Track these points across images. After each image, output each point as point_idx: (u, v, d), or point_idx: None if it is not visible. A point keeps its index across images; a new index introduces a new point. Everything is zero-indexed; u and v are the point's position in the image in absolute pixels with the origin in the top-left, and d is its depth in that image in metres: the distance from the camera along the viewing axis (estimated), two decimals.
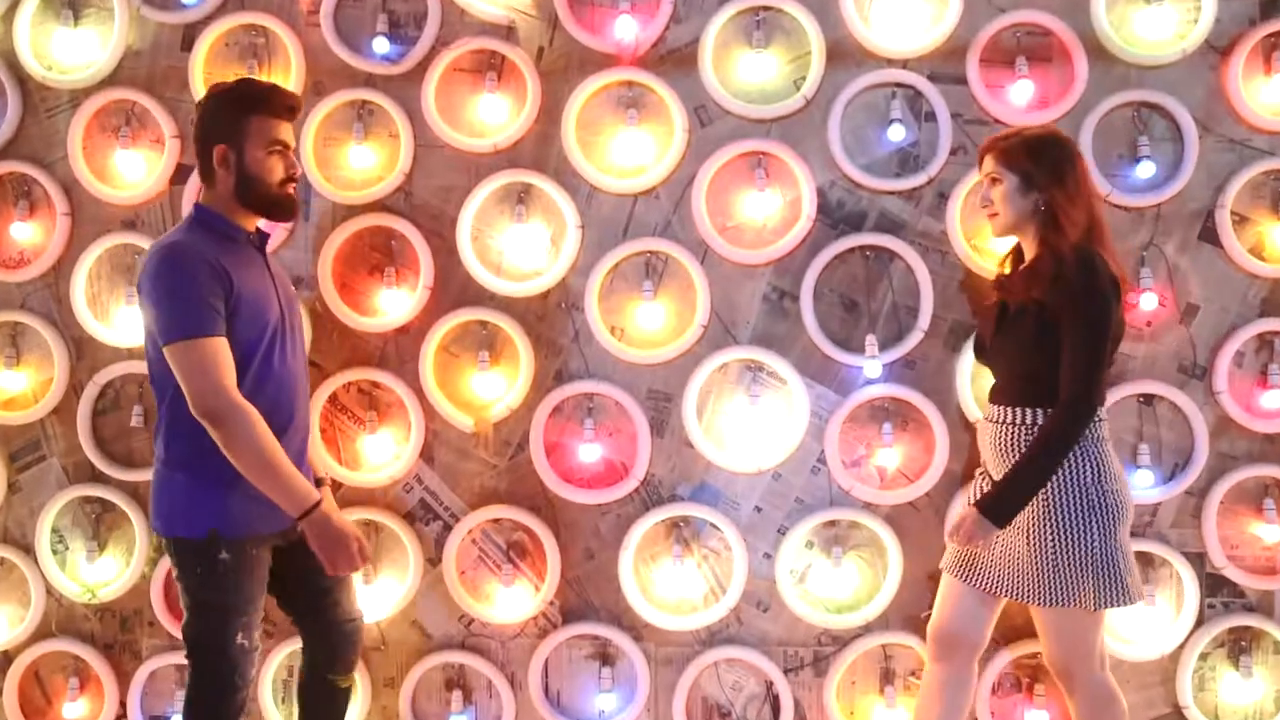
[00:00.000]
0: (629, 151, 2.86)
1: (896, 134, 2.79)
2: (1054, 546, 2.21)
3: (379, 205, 2.93)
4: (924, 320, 2.80)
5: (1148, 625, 2.79)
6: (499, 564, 2.93)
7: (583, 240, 2.88)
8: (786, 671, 2.89)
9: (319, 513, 2.07)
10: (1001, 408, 2.32)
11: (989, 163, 2.31)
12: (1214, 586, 2.81)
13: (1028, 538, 2.24)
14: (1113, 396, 2.75)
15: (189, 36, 2.96)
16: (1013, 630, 2.82)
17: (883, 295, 2.85)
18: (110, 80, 2.98)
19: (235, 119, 2.14)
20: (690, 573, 2.88)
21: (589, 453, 2.85)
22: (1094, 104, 2.75)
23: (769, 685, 2.90)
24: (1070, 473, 2.21)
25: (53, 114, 3.01)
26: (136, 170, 2.98)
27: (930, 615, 2.51)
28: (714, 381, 2.88)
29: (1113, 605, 2.22)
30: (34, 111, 3.01)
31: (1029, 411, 2.26)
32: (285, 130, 2.20)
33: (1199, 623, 2.78)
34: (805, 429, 2.83)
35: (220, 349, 2.04)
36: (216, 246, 2.11)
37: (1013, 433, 2.28)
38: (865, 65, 2.83)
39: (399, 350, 2.93)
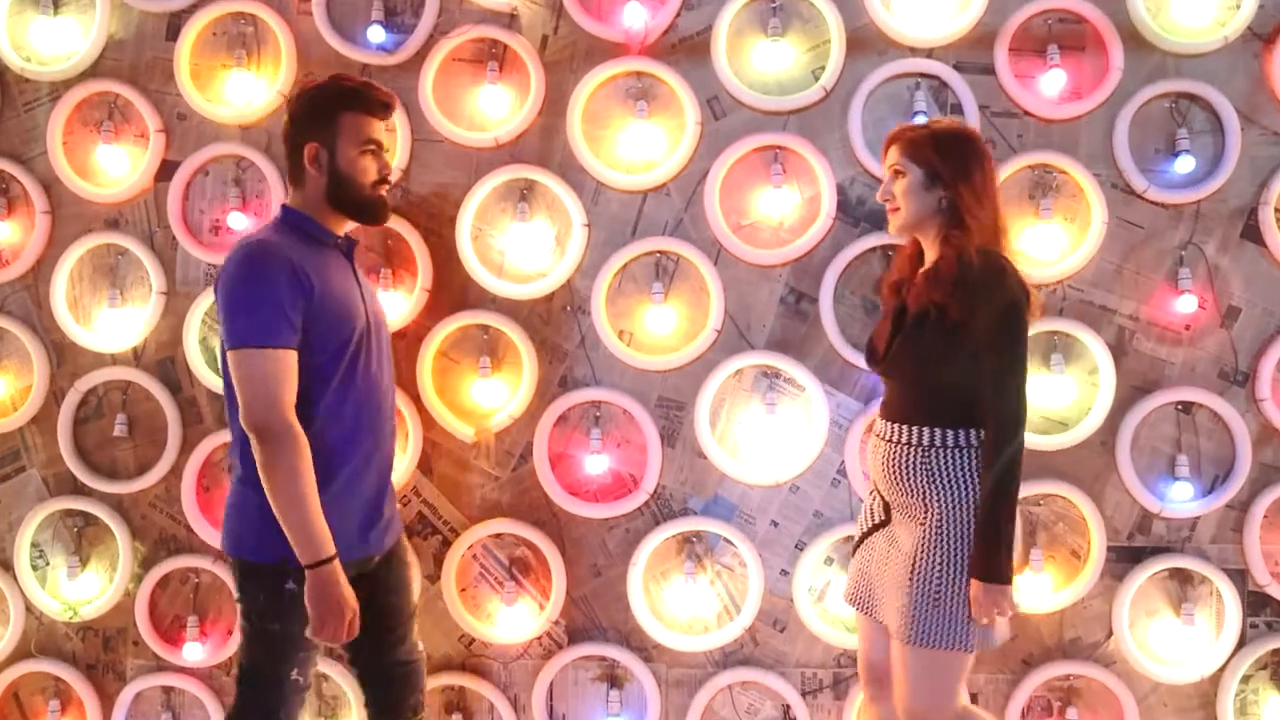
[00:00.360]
0: (638, 146, 2.72)
1: None
2: (938, 583, 1.98)
3: None
4: None
5: (1186, 646, 2.64)
6: (501, 581, 2.79)
7: (589, 240, 2.73)
8: (804, 694, 2.75)
9: (328, 570, 1.89)
10: (896, 425, 2.08)
11: (893, 154, 2.11)
12: (1257, 605, 2.66)
13: (911, 571, 2.02)
14: (1150, 404, 2.60)
15: (174, 25, 2.83)
16: (1043, 651, 2.67)
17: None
18: (92, 71, 2.84)
19: (327, 116, 2.04)
20: (703, 590, 2.74)
21: (596, 464, 2.71)
22: (1130, 95, 2.60)
23: (786, 709, 2.75)
24: (956, 504, 2.00)
25: (31, 107, 2.87)
26: (119, 166, 2.84)
27: None
28: (728, 389, 2.73)
29: (989, 647, 2.05)
30: (12, 104, 2.87)
31: (926, 431, 2.02)
32: (378, 128, 2.09)
33: (1241, 644, 2.64)
34: (825, 439, 2.68)
35: (287, 363, 1.90)
36: (303, 249, 2.00)
37: (907, 454, 2.04)
38: (888, 54, 2.69)
39: (396, 357, 2.77)
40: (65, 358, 2.86)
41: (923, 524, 2.02)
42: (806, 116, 2.71)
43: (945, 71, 2.66)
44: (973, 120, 2.64)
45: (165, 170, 2.83)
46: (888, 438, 2.10)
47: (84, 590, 2.87)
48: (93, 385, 2.84)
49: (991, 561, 1.95)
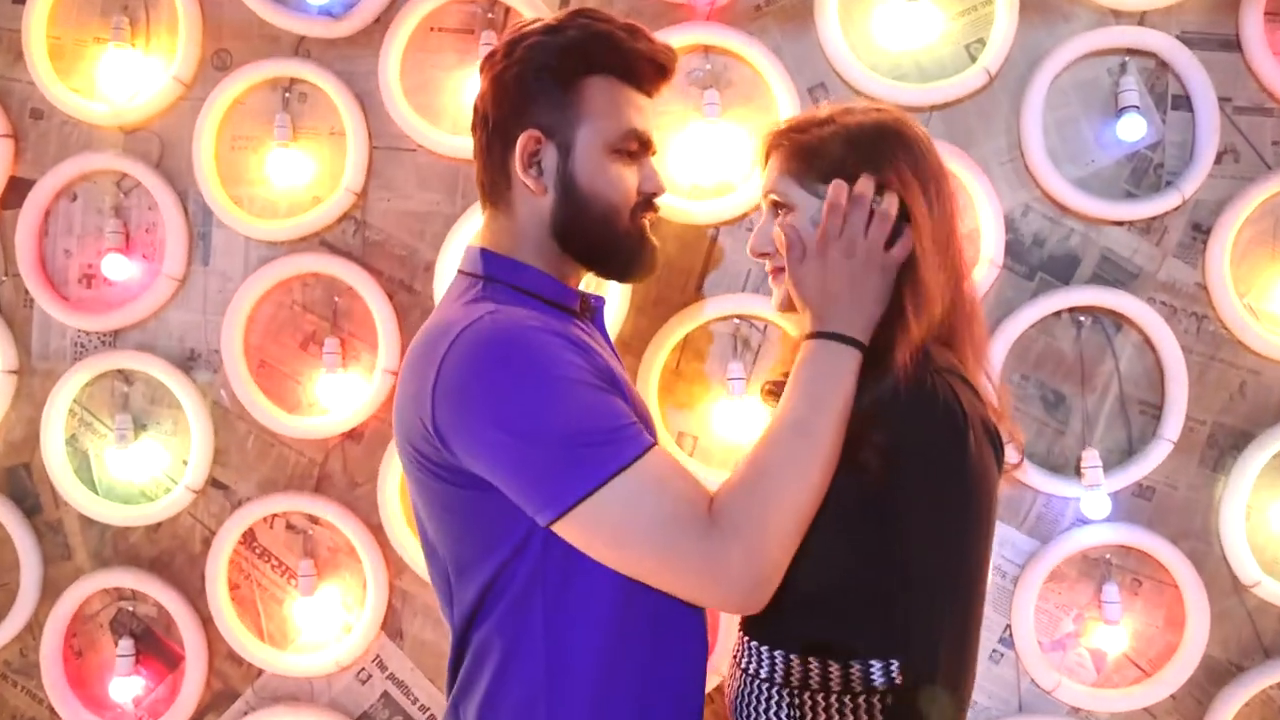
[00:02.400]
0: (704, 157, 1.84)
1: (1130, 129, 1.78)
2: None
3: (315, 242, 1.92)
4: (1171, 425, 1.79)
5: None
6: None
7: (631, 297, 1.84)
8: None
9: None
10: (752, 644, 1.16)
11: (772, 172, 1.17)
12: None
13: None
14: None
15: None
16: None
17: (1105, 384, 1.82)
18: None
19: (563, 82, 1.13)
20: None
21: None
22: None
23: None
24: None
25: None
26: None
27: None
28: None
29: None
30: None
31: (796, 662, 1.11)
32: (647, 112, 1.18)
33: None
34: (987, 578, 1.80)
35: (668, 460, 1.05)
36: (552, 324, 1.11)
37: (758, 695, 1.15)
38: (1077, 21, 1.82)
39: (348, 467, 1.91)
40: None
41: None
42: (958, 113, 1.83)
43: (1165, 45, 1.79)
44: (1206, 119, 1.77)
45: (13, 192, 1.97)
46: (739, 663, 1.18)
47: None
48: None
49: None
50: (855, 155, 1.11)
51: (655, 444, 1.04)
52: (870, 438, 1.05)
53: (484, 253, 1.14)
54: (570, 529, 1.01)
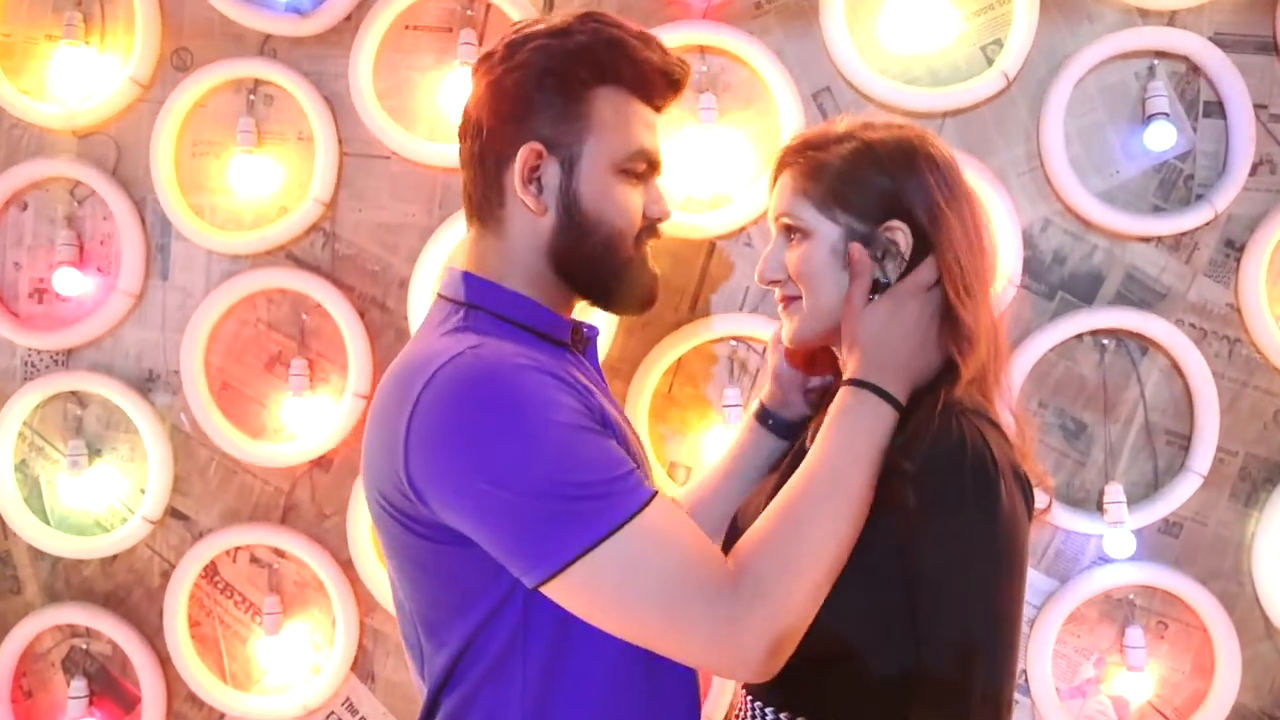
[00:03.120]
0: (701, 166, 1.71)
1: (1158, 138, 1.66)
2: None
3: (281, 255, 1.80)
4: (1201, 457, 1.67)
5: None
6: None
7: (620, 320, 1.72)
8: None
9: None
10: (761, 708, 1.07)
11: (782, 193, 1.07)
12: None
13: None
14: None
15: None
16: None
17: (1129, 413, 1.70)
18: None
19: (571, 91, 1.02)
20: None
21: None
22: None
23: None
24: None
25: None
26: None
27: None
28: None
29: None
30: None
31: None
32: (654, 131, 1.08)
33: None
34: (1020, 639, 1.68)
35: (672, 511, 0.96)
36: (540, 358, 1.00)
37: None
38: (1102, 21, 1.70)
39: (316, 496, 1.80)
40: None
41: None
42: (973, 120, 1.71)
43: (1197, 47, 1.67)
44: (1240, 128, 1.65)
45: None
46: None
47: None
48: None
49: None
50: (884, 176, 0.99)
51: (657, 493, 0.92)
52: (898, 490, 0.95)
53: (467, 276, 1.02)
54: (562, 591, 0.89)
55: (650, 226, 1.07)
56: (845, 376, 1.00)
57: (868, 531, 0.96)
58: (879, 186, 1.00)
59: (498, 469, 0.88)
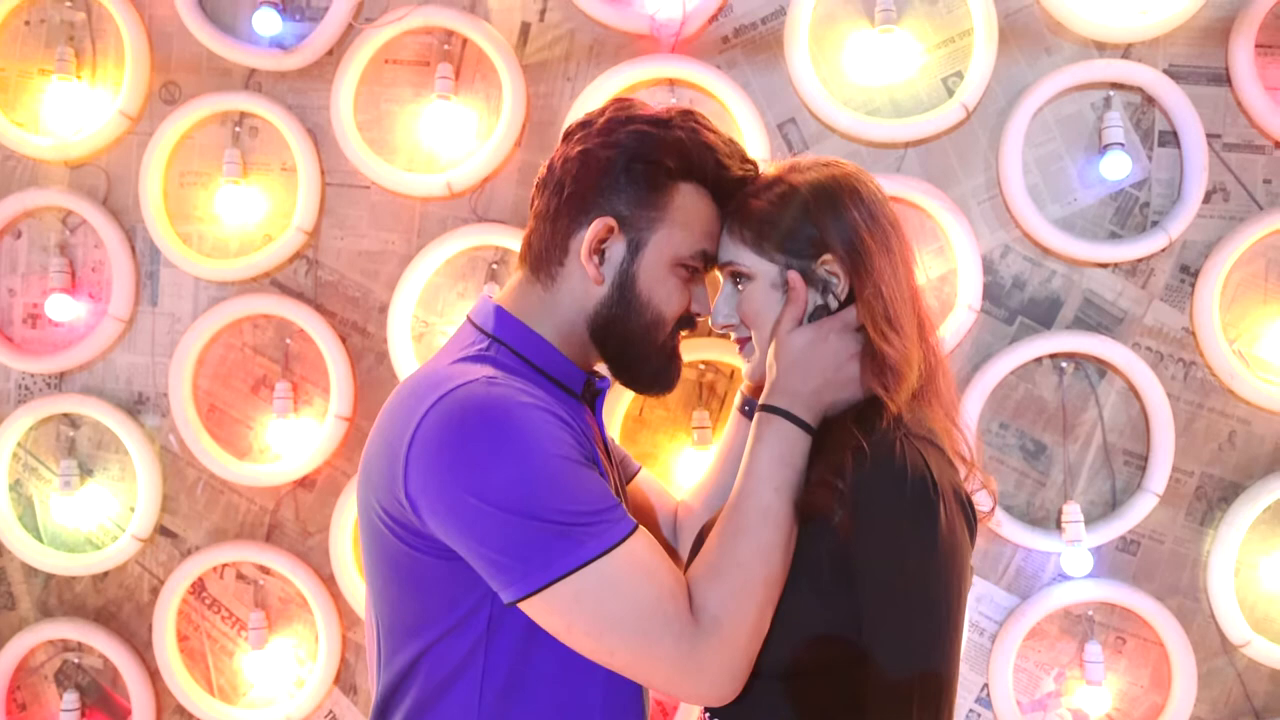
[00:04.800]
0: None
1: (1114, 167, 1.70)
2: None
3: (265, 282, 1.84)
4: (1156, 477, 1.71)
5: None
6: None
7: None
8: None
9: None
10: None
11: (725, 244, 1.12)
12: None
13: None
14: None
15: None
16: None
17: (1088, 434, 1.74)
18: None
19: (656, 181, 1.08)
20: None
21: None
22: None
23: None
24: None
25: None
26: None
27: None
28: None
29: None
30: None
31: None
32: (718, 236, 1.13)
33: None
34: (961, 649, 1.72)
35: (652, 545, 1.01)
36: (545, 399, 1.05)
37: None
38: (1059, 54, 1.74)
39: (300, 515, 1.84)
40: None
41: None
42: (935, 150, 1.75)
43: (1151, 79, 1.71)
44: (1194, 157, 1.69)
45: None
46: None
47: None
48: None
49: None
50: (808, 218, 1.05)
51: (638, 527, 0.98)
52: (834, 508, 0.99)
53: (499, 311, 1.09)
54: (540, 608, 0.95)
55: (689, 319, 1.13)
56: (759, 400, 1.07)
57: (813, 553, 1.02)
58: (804, 226, 1.05)
59: (492, 488, 0.93)
